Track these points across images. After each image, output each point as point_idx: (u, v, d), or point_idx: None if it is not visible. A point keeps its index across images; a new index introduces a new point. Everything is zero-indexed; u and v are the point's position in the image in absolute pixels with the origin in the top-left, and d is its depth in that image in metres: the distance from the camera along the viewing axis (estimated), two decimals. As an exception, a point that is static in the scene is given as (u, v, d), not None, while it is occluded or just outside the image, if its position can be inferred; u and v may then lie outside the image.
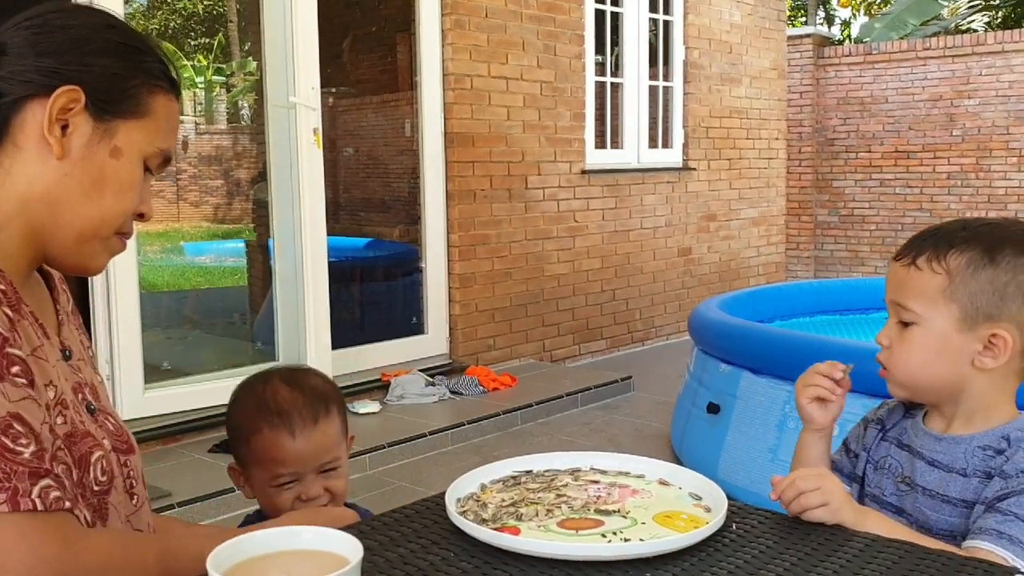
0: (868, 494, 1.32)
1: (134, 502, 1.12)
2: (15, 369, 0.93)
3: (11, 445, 0.88)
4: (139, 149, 1.04)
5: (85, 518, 0.99)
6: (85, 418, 1.06)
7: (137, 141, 1.04)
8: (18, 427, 0.90)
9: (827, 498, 1.03)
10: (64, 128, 1.00)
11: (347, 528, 0.99)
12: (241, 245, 7.83)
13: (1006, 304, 1.19)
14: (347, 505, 1.45)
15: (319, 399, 1.38)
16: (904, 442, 1.31)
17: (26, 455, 0.89)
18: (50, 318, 1.10)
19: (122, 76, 1.03)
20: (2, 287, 0.97)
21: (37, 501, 0.88)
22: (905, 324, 1.24)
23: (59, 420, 0.99)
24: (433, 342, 5.31)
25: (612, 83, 6.34)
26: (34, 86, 0.99)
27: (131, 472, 1.12)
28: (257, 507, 1.48)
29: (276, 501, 1.36)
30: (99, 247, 1.05)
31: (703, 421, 3.77)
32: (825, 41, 10.10)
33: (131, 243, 4.24)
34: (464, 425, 4.36)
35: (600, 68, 6.27)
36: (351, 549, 0.67)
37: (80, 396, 1.07)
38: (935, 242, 1.23)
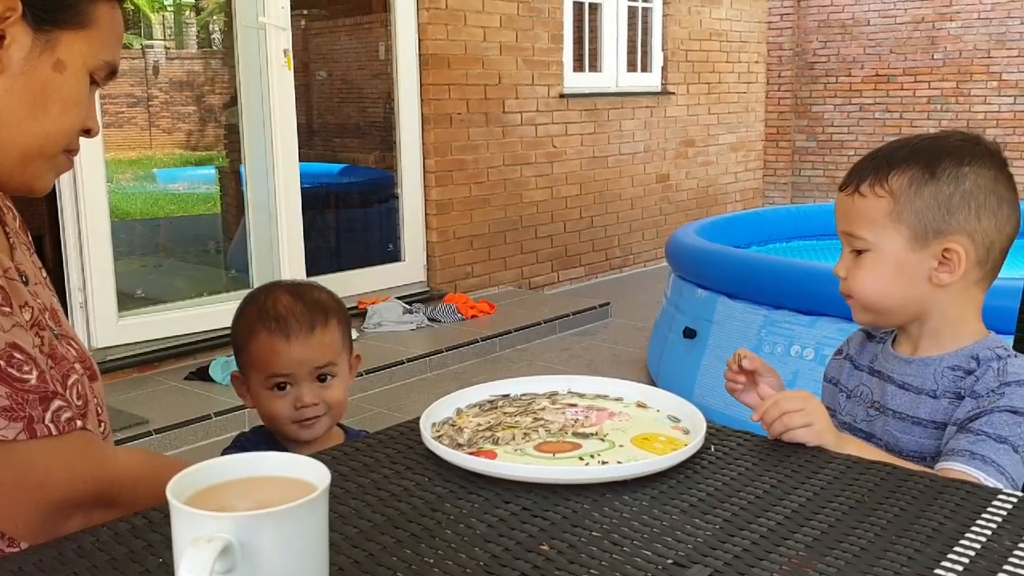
0: (841, 422, 1.32)
1: (102, 429, 1.09)
2: None
3: (17, 374, 0.89)
4: (83, 62, 0.99)
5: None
6: (54, 342, 1.03)
7: (81, 53, 0.98)
8: (18, 355, 0.89)
9: (811, 419, 1.02)
10: (1, 40, 0.94)
11: (319, 454, 0.96)
12: (213, 172, 7.70)
13: (953, 216, 1.18)
14: (340, 426, 1.47)
15: (319, 309, 1.40)
16: (876, 368, 1.30)
17: (32, 381, 0.90)
18: (1, 245, 1.05)
19: None
20: None
21: (51, 426, 0.90)
22: (859, 252, 1.23)
23: (37, 340, 0.97)
24: (410, 269, 5.27)
25: (590, 3, 6.21)
26: None
27: (96, 399, 1.09)
28: (243, 430, 1.52)
29: (272, 408, 1.38)
30: (45, 166, 1.00)
31: (679, 346, 3.78)
32: (807, -38, 9.90)
33: (100, 170, 4.16)
34: (442, 352, 4.36)
35: (578, -12, 6.14)
36: (318, 475, 0.64)
37: (42, 322, 1.03)
38: (875, 166, 1.22)
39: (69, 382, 1.00)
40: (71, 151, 1.03)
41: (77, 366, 1.05)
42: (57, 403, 0.92)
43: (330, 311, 1.41)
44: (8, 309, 0.92)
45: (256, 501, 0.63)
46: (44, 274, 1.15)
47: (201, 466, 0.65)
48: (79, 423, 0.94)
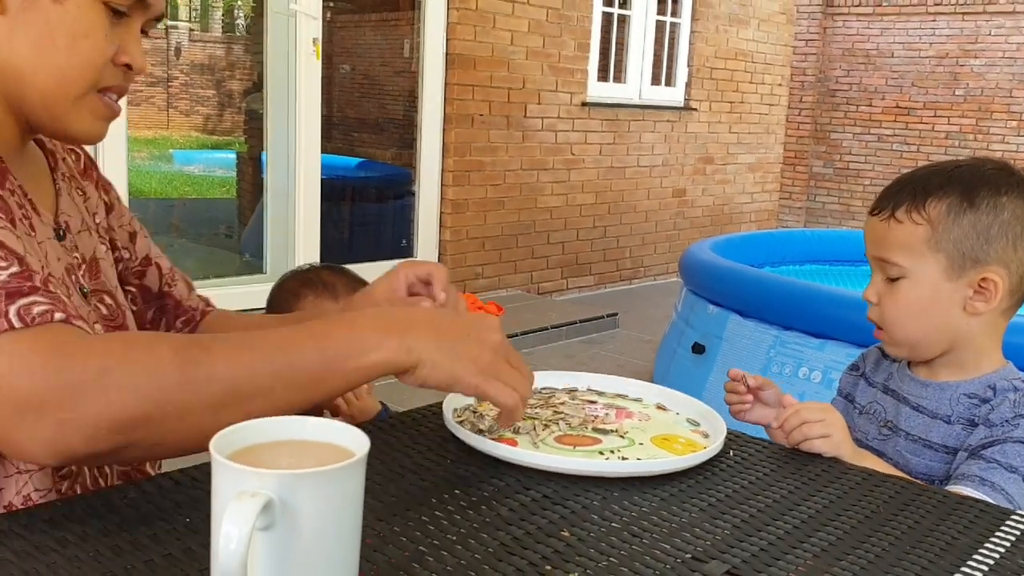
0: (853, 439, 1.33)
1: None
2: None
3: None
4: None
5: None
6: (76, 301, 0.99)
7: None
8: None
9: (830, 430, 1.03)
10: None
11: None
12: (231, 156, 7.74)
13: (991, 246, 1.18)
14: None
15: (359, 281, 1.53)
16: (891, 387, 1.31)
17: (2, 277, 0.80)
18: (45, 194, 1.04)
19: None
20: None
21: (15, 319, 0.78)
22: (892, 279, 1.23)
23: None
24: (421, 266, 5.28)
25: (619, 15, 6.23)
26: None
27: None
28: None
29: None
30: (73, 108, 0.94)
31: (687, 360, 3.79)
32: (836, -11, 9.93)
33: (122, 146, 4.17)
34: (448, 350, 4.37)
35: (608, -1, 6.17)
36: (357, 443, 0.65)
37: (74, 278, 1.02)
38: (911, 192, 1.21)
39: None
40: (108, 90, 0.97)
41: (97, 327, 1.01)
42: (30, 299, 0.80)
43: (367, 286, 1.49)
44: (3, 217, 0.86)
45: (297, 463, 0.65)
46: (102, 216, 1.13)
47: (243, 426, 0.66)
48: (59, 316, 0.80)
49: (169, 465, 0.95)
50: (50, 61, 0.91)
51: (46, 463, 0.81)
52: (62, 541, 0.74)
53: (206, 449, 0.85)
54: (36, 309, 0.80)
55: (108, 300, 1.08)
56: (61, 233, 1.03)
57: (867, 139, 9.40)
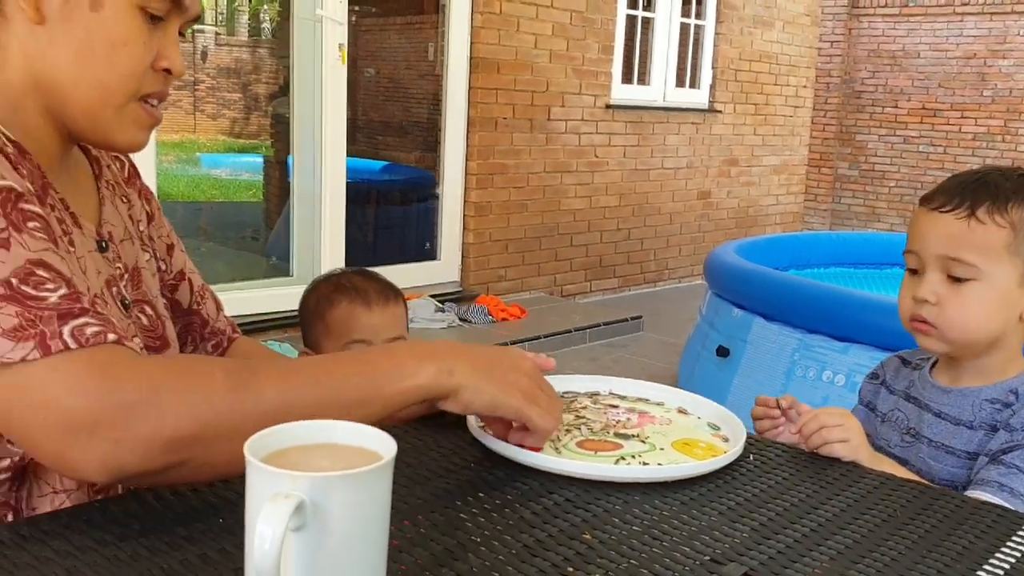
0: (875, 446, 1.34)
1: None
2: (32, 224, 0.84)
3: (33, 292, 0.80)
4: None
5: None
6: (117, 314, 1.00)
7: None
8: (42, 273, 0.81)
9: (848, 435, 1.05)
10: None
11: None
12: (258, 160, 7.81)
13: None
14: None
15: (390, 287, 1.58)
16: (912, 395, 1.32)
17: (52, 299, 0.80)
18: (88, 202, 1.04)
19: None
20: (28, 168, 0.90)
21: (70, 340, 0.79)
22: (957, 279, 1.20)
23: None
24: (445, 269, 5.32)
25: (644, 17, 6.24)
26: None
27: None
28: None
29: None
30: (115, 118, 0.94)
31: (711, 364, 3.79)
32: (862, -11, 9.87)
33: (151, 149, 4.22)
34: (472, 352, 4.39)
35: (632, 1, 6.17)
36: (385, 447, 0.68)
37: (115, 290, 1.02)
38: (990, 193, 1.19)
39: None
40: (148, 97, 0.96)
41: (136, 340, 1.01)
42: (82, 320, 0.80)
43: (398, 292, 1.58)
44: (44, 237, 0.85)
45: (328, 466, 0.67)
46: (145, 225, 1.14)
47: (277, 429, 0.69)
48: (112, 337, 0.81)
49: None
50: (90, 72, 0.92)
51: (99, 481, 0.82)
52: (101, 541, 0.77)
53: None
54: (89, 330, 0.80)
55: (149, 311, 1.08)
56: (104, 244, 1.03)
57: (893, 141, 9.33)
